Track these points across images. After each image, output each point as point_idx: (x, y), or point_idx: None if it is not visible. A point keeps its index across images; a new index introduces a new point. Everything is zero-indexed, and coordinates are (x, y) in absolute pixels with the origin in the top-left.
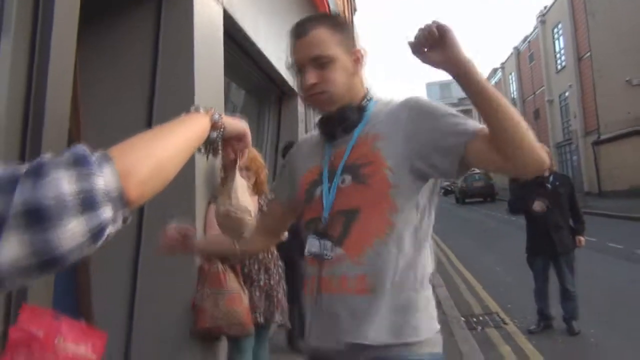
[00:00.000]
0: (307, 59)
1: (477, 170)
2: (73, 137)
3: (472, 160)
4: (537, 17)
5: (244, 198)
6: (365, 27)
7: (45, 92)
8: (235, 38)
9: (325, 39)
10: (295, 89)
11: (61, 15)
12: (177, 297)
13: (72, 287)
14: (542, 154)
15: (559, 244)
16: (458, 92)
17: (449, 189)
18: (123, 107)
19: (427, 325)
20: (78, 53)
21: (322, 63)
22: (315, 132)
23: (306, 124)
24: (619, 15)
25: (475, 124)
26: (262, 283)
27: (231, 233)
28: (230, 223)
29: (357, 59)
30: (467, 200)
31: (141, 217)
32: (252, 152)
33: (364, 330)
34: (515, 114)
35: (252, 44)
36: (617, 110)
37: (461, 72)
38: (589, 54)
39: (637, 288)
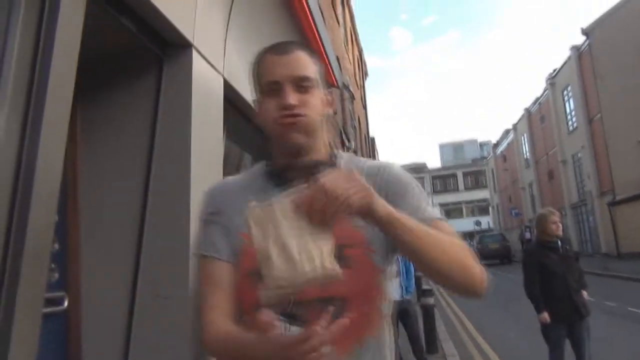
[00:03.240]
0: (289, 78)
1: (494, 232)
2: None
3: None
4: (547, 80)
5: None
6: (373, 91)
7: (35, 164)
8: (237, 105)
9: (309, 63)
10: (259, 115)
11: (55, 90)
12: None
13: (61, 337)
14: (475, 281)
15: (582, 306)
16: (471, 153)
17: None
18: (121, 175)
19: None
20: (79, 125)
21: (304, 86)
22: (247, 176)
23: None
24: (628, 77)
25: (434, 212)
26: None
27: None
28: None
29: (328, 102)
30: (483, 262)
31: (137, 262)
32: None
33: None
34: (441, 247)
35: (249, 105)
36: (631, 171)
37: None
38: (599, 115)
39: None
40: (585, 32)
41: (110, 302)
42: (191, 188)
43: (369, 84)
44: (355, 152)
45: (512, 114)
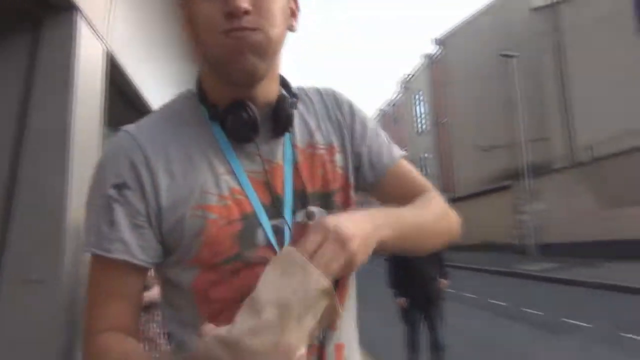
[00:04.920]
0: None
1: None
2: None
3: (380, 190)
4: (401, 84)
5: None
6: None
7: None
8: (121, 87)
9: None
10: (188, 26)
11: None
12: None
13: None
14: (454, 231)
15: (434, 294)
16: None
17: None
18: None
19: None
20: None
21: None
22: (171, 115)
23: None
24: (474, 86)
25: (395, 151)
26: None
27: None
28: None
29: (292, 11)
30: None
31: None
32: None
33: None
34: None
35: (134, 88)
36: (471, 172)
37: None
38: (446, 119)
39: (493, 335)
40: (438, 42)
41: None
42: (69, 164)
43: None
44: None
45: (368, 113)
